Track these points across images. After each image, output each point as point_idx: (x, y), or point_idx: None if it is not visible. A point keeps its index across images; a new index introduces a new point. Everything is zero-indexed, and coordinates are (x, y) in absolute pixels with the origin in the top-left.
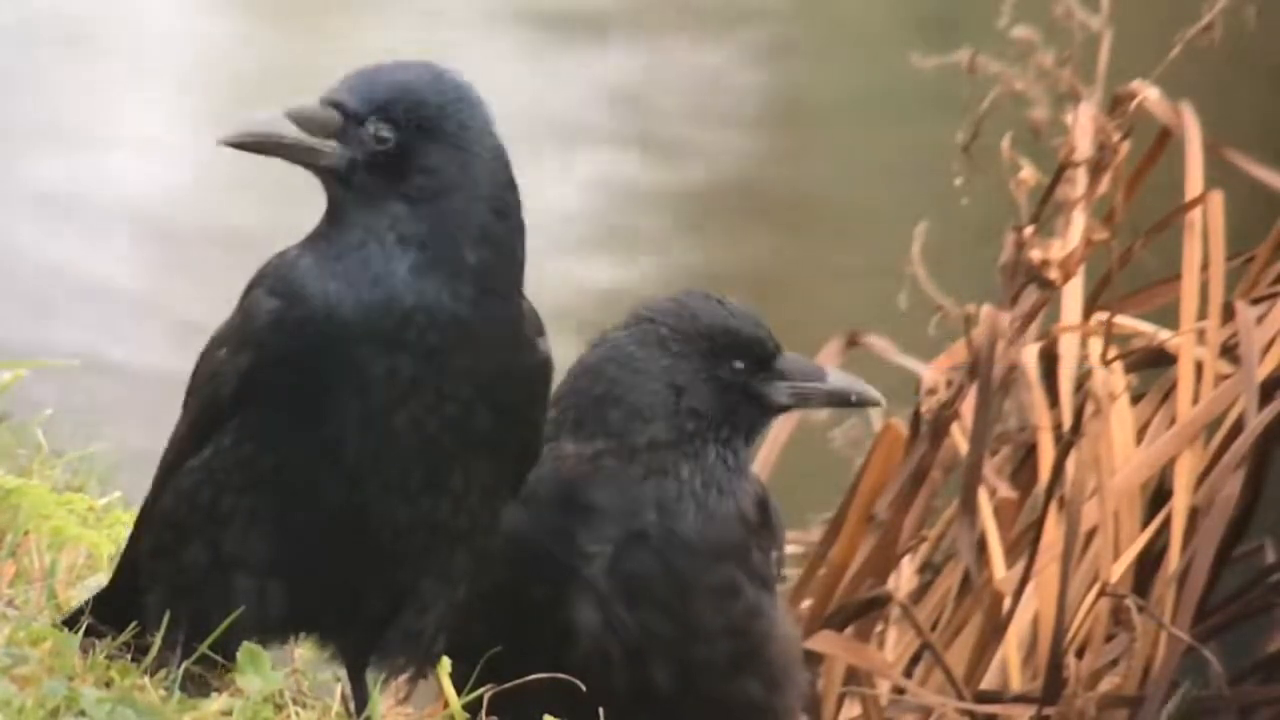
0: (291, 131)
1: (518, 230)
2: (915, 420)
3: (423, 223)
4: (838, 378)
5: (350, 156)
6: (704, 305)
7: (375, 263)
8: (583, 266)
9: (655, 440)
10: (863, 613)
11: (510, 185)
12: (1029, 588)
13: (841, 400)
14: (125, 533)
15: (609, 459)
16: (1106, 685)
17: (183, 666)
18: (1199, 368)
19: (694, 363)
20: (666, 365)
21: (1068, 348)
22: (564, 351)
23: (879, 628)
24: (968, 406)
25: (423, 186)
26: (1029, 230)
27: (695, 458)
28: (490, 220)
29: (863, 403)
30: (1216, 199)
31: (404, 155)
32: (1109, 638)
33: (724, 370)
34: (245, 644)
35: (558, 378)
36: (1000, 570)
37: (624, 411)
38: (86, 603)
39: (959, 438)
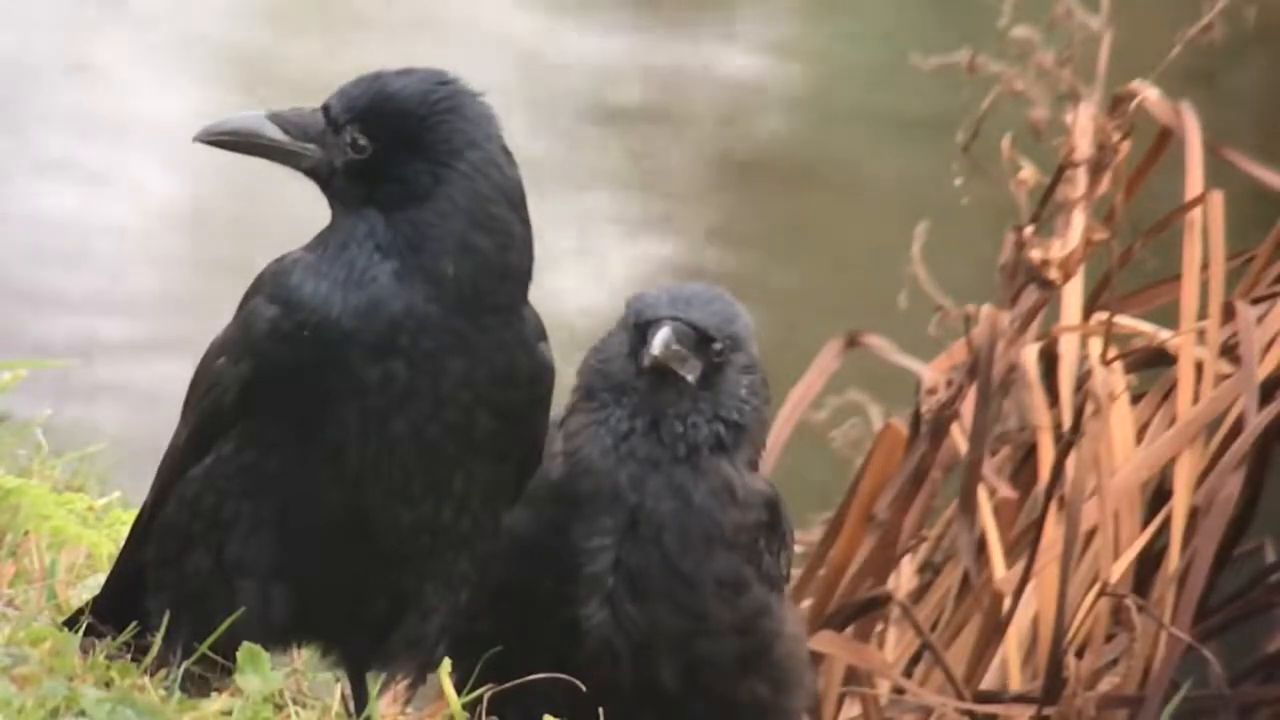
0: (272, 132)
1: (512, 245)
2: (915, 420)
3: (396, 232)
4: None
5: (328, 161)
6: (705, 297)
7: (357, 267)
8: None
9: (610, 383)
10: (863, 613)
11: (503, 200)
12: (1029, 588)
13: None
14: (125, 533)
15: (578, 412)
16: (1106, 685)
17: (183, 667)
18: (1199, 368)
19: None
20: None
21: (1068, 348)
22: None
23: (879, 628)
24: (968, 406)
25: (394, 196)
26: (1029, 230)
27: (648, 430)
28: (470, 234)
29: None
30: (1216, 199)
31: (379, 164)
32: (1109, 638)
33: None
34: (245, 644)
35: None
36: (1000, 570)
37: (597, 349)
38: (87, 603)
39: (959, 438)
